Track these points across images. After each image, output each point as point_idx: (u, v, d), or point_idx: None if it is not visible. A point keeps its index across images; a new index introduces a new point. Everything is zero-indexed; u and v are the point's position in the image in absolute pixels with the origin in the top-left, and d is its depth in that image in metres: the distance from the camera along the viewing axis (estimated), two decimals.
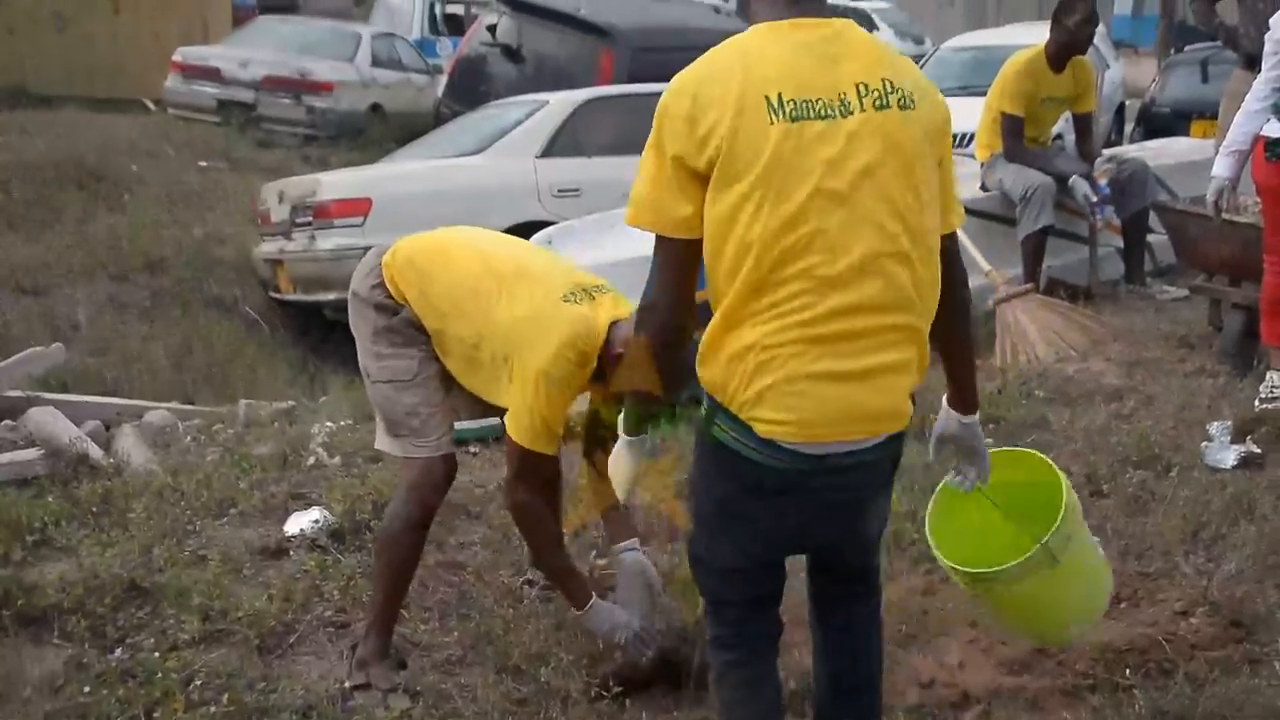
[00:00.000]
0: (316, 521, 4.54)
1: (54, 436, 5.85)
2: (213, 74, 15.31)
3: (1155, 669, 3.55)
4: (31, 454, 5.76)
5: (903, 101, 2.48)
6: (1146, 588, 3.97)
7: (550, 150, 8.44)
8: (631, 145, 8.55)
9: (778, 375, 2.44)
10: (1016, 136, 7.21)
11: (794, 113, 2.42)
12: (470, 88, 11.29)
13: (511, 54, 11.12)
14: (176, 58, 15.60)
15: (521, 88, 10.10)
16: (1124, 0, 49.00)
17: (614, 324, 3.58)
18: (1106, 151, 8.31)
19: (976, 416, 2.90)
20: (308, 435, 5.65)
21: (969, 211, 6.87)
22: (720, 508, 2.71)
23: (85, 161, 11.97)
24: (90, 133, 13.33)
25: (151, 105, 15.78)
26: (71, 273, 9.46)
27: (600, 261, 5.52)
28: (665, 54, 10.33)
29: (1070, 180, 7.09)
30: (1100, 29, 15.61)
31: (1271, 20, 5.51)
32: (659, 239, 2.57)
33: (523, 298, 3.62)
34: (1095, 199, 7.17)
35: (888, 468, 2.70)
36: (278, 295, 8.65)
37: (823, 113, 2.43)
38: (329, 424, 5.78)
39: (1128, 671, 3.52)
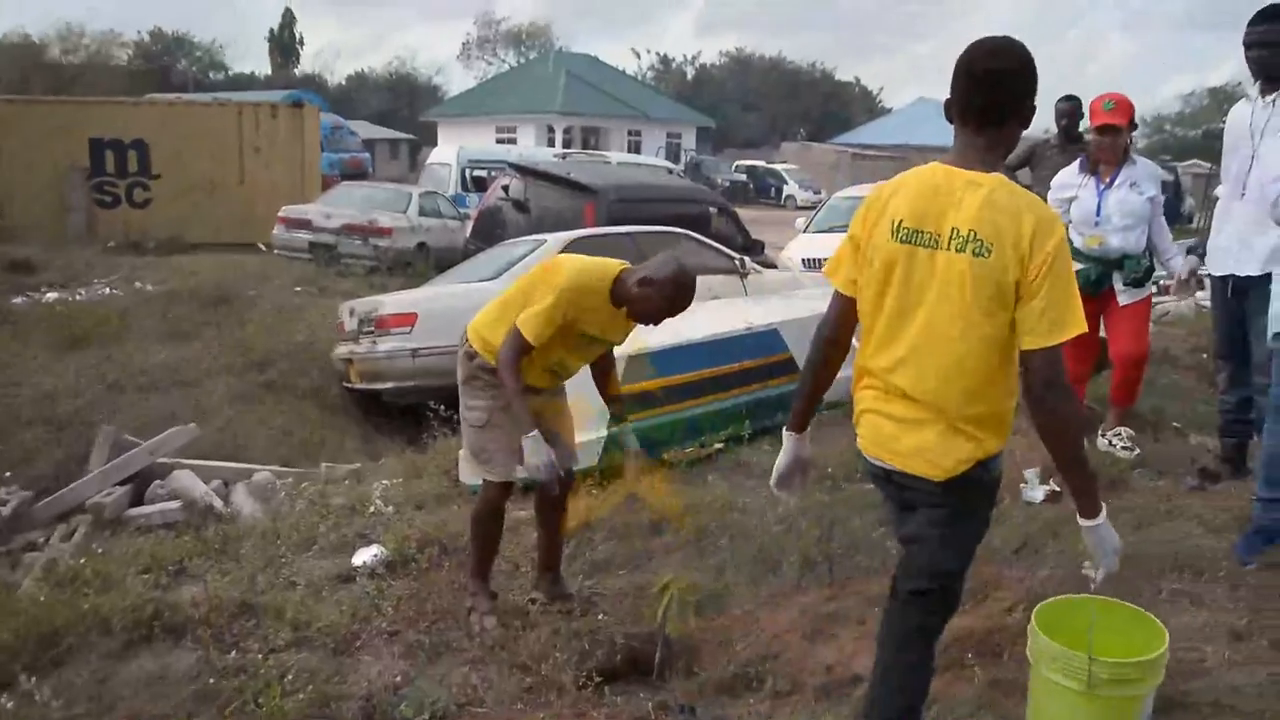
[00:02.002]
0: (375, 555, 4.53)
1: (189, 492, 5.91)
2: (306, 224, 15.47)
3: (990, 651, 3.49)
4: (174, 505, 5.85)
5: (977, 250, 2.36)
6: (984, 590, 3.91)
7: None
8: None
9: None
10: None
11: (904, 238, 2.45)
12: (489, 231, 11.31)
13: (520, 206, 11.17)
14: (281, 213, 15.74)
15: (527, 230, 10.13)
16: None
17: (623, 270, 3.81)
18: None
19: (1094, 521, 2.47)
20: (370, 490, 5.62)
21: None
22: None
23: (218, 290, 12.14)
24: (222, 269, 13.49)
25: (264, 247, 15.81)
26: (207, 370, 9.51)
27: None
28: (632, 204, 10.52)
29: None
30: None
31: (1054, 179, 5.61)
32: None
33: (554, 263, 3.95)
34: None
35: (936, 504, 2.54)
36: (349, 385, 8.59)
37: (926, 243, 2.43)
38: (385, 481, 5.75)
39: (970, 655, 3.46)
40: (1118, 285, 5.36)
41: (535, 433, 3.69)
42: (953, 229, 2.37)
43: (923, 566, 2.63)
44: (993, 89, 2.42)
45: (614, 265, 3.83)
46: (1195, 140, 41.56)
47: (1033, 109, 2.46)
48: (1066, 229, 5.27)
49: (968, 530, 2.63)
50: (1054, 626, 2.69)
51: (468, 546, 4.17)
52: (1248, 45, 4.45)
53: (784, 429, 2.91)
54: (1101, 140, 5.30)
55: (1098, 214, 5.29)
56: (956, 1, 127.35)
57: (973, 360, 2.43)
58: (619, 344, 4.15)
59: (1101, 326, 5.47)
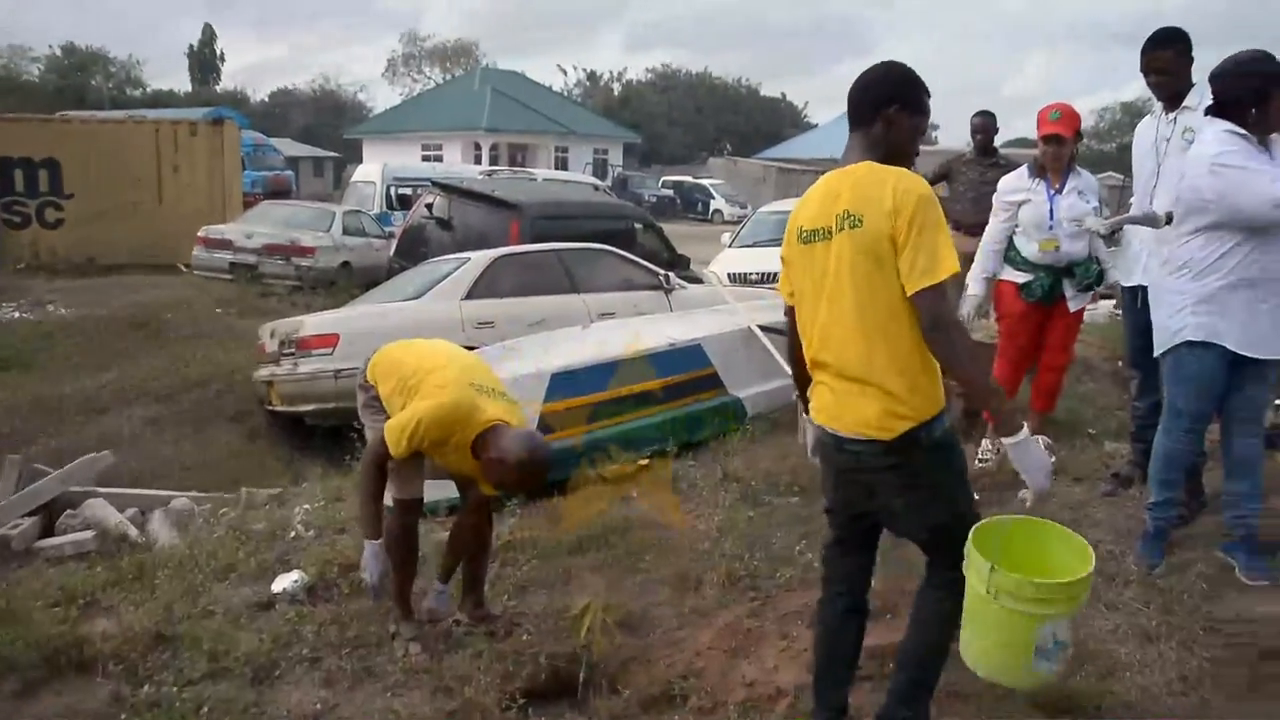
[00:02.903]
0: (296, 581, 4.45)
1: (103, 521, 5.78)
2: (227, 244, 15.24)
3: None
4: (86, 535, 5.70)
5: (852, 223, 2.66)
6: (905, 601, 3.95)
7: (472, 294, 8.42)
8: (533, 288, 8.70)
9: None
10: None
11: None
12: (414, 249, 11.23)
13: (444, 224, 11.11)
14: (200, 233, 15.48)
15: (452, 248, 10.07)
16: None
17: (498, 425, 3.65)
18: None
19: (1015, 438, 2.65)
20: (291, 514, 5.53)
21: (775, 333, 7.08)
22: None
23: (135, 313, 11.93)
24: (140, 291, 13.25)
25: (184, 269, 15.52)
26: (123, 396, 9.32)
27: (500, 377, 5.49)
28: (557, 221, 10.53)
29: None
30: None
31: (1000, 182, 5.69)
32: None
33: (441, 367, 3.80)
34: None
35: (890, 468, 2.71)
36: (271, 408, 8.45)
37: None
38: (307, 505, 5.67)
39: (890, 665, 3.49)
40: (1069, 291, 5.48)
41: (376, 544, 3.77)
42: (835, 216, 2.69)
43: (911, 530, 2.86)
44: (859, 94, 2.86)
45: (487, 414, 3.70)
46: (1110, 153, 42.69)
47: (902, 114, 2.79)
48: (1012, 233, 5.45)
49: (936, 488, 2.76)
50: (1011, 539, 2.77)
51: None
52: (1145, 71, 4.59)
53: (800, 414, 3.35)
54: (1047, 150, 5.41)
55: (1050, 219, 5.38)
56: (882, 20, 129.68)
57: (876, 331, 2.65)
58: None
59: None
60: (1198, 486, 4.73)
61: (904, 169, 2.73)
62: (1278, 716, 3.15)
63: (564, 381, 5.96)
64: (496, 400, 3.78)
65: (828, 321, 2.73)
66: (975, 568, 2.64)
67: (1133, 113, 46.06)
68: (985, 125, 7.60)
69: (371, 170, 22.61)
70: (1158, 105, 4.73)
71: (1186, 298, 3.91)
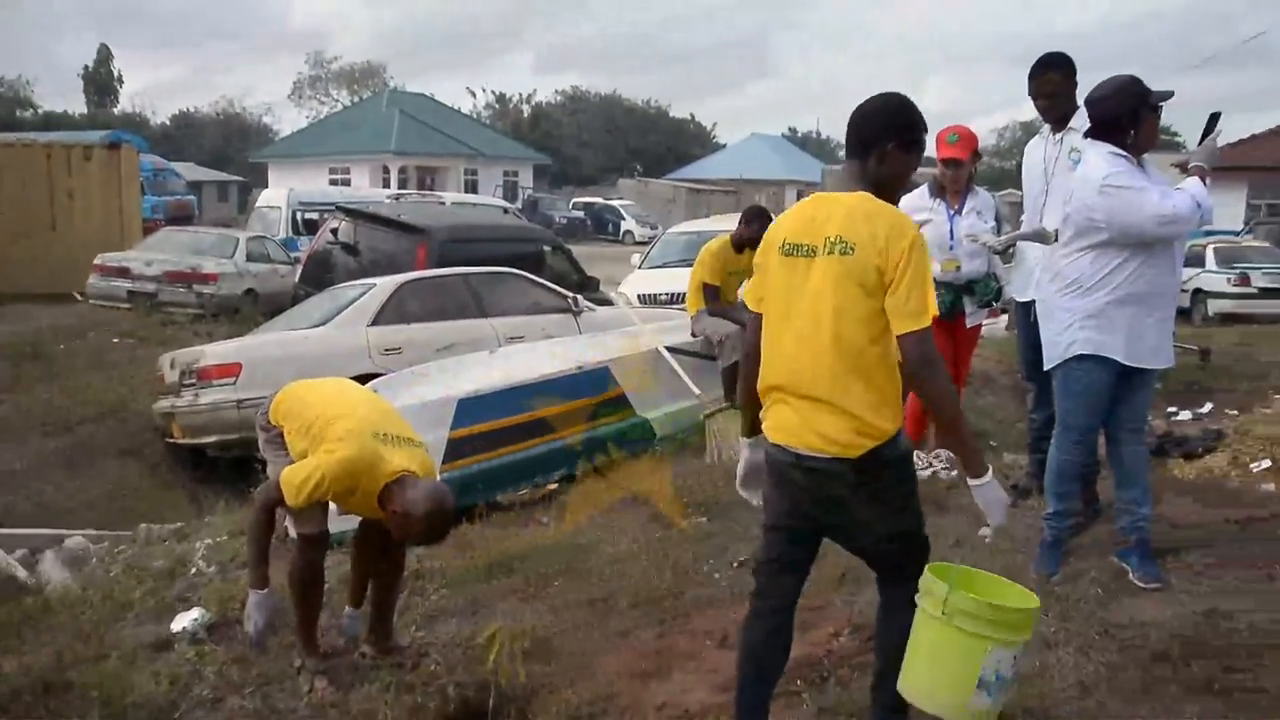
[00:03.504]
0: (196, 619, 4.32)
1: None
2: (125, 272, 14.80)
3: (817, 678, 3.56)
4: None
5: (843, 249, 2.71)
6: (811, 619, 3.99)
7: (378, 320, 8.31)
8: (441, 313, 8.62)
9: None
10: (714, 298, 7.40)
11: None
12: (319, 275, 11.06)
13: (350, 249, 10.96)
14: (97, 261, 15.01)
15: (359, 274, 9.94)
16: (792, 196, 51.74)
17: (403, 475, 3.59)
18: None
19: (981, 480, 2.79)
20: (192, 550, 5.38)
21: (682, 354, 7.13)
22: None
23: (29, 344, 11.53)
24: (31, 322, 12.82)
25: (79, 297, 15.04)
26: (15, 431, 9.01)
27: (406, 404, 5.44)
28: (465, 244, 10.47)
29: None
30: (774, 217, 16.25)
31: (901, 201, 5.78)
32: None
33: (345, 415, 3.69)
34: None
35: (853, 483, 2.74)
36: (171, 440, 8.23)
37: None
38: (209, 540, 5.52)
39: (798, 682, 3.53)
40: (968, 307, 5.60)
41: (264, 593, 3.70)
42: (825, 238, 2.73)
43: (878, 541, 2.86)
44: (857, 125, 2.88)
45: (393, 466, 3.63)
46: (1011, 171, 44.00)
47: (897, 151, 2.83)
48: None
49: (904, 497, 2.85)
50: (963, 585, 2.78)
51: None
52: (1033, 94, 4.74)
53: (739, 437, 3.24)
54: (946, 172, 5.53)
55: (951, 239, 5.50)
56: (788, 41, 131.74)
57: (852, 354, 2.70)
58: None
59: None
60: (1092, 495, 4.87)
61: (896, 208, 2.79)
62: (1169, 716, 3.23)
63: (472, 407, 5.91)
64: (401, 449, 3.71)
65: (798, 340, 2.76)
66: (930, 592, 2.69)
67: (1031, 131, 47.06)
68: None
69: (276, 195, 22.24)
70: (1046, 126, 4.89)
71: (1075, 314, 4.03)
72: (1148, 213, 3.81)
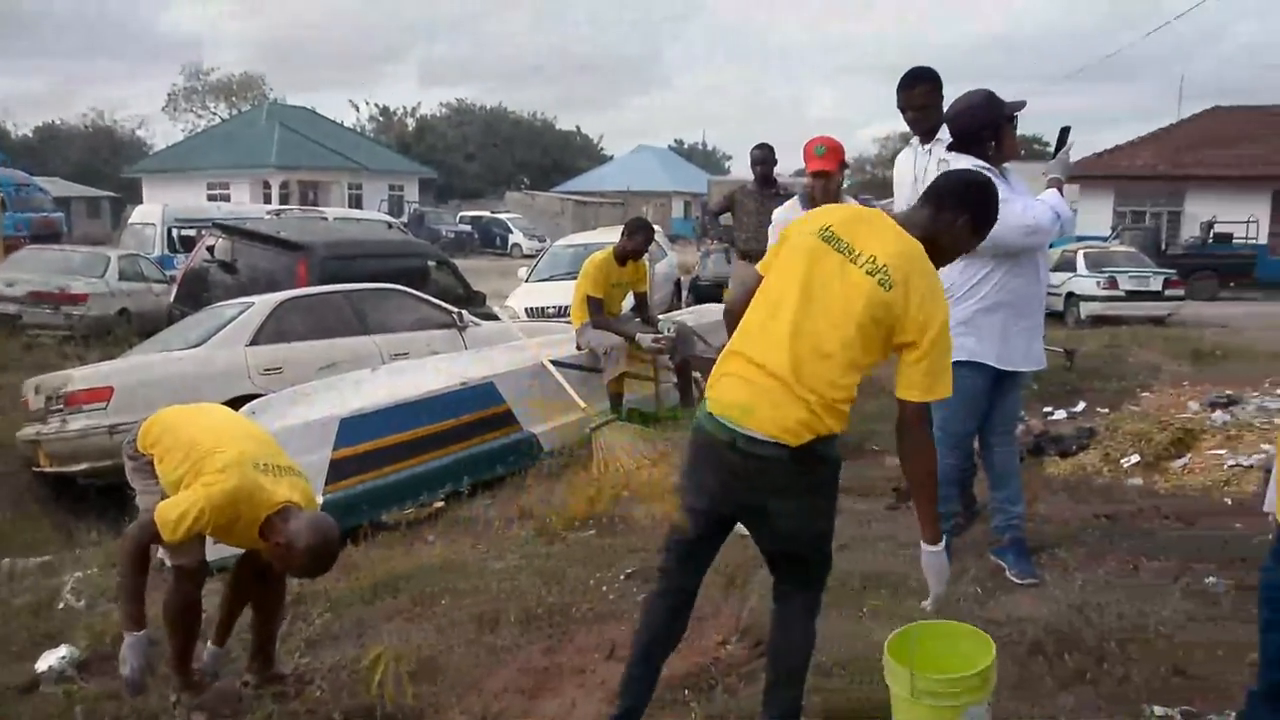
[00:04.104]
0: (64, 657, 4.12)
1: None
2: None
3: (705, 686, 3.59)
4: None
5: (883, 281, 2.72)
6: (700, 628, 4.01)
7: (258, 339, 8.10)
8: (322, 331, 8.46)
9: None
10: (598, 311, 7.42)
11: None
12: (195, 294, 10.76)
13: (227, 267, 10.69)
14: None
15: (237, 292, 9.69)
16: (678, 207, 52.36)
17: (286, 506, 3.50)
18: (664, 316, 8.67)
19: (935, 548, 2.90)
20: (61, 584, 5.16)
21: (567, 367, 7.13)
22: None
23: None
24: None
25: None
26: None
27: (288, 424, 5.33)
28: (346, 261, 10.30)
29: (637, 337, 7.34)
30: (659, 229, 16.47)
31: (774, 214, 5.88)
32: None
33: (222, 447, 3.54)
34: (661, 347, 7.45)
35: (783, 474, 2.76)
36: (38, 469, 7.88)
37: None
38: (79, 573, 5.30)
39: (686, 691, 3.54)
40: None
41: (139, 635, 3.52)
42: (871, 255, 2.75)
43: (794, 535, 2.88)
44: (945, 189, 2.98)
45: (275, 498, 3.51)
46: (891, 179, 45.19)
47: (966, 228, 2.94)
48: None
49: (819, 499, 2.88)
50: (919, 643, 2.88)
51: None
52: (901, 108, 4.88)
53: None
54: (816, 183, 5.63)
55: None
56: (674, 53, 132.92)
57: (844, 363, 2.74)
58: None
59: None
60: (970, 497, 5.01)
61: (941, 281, 2.83)
62: (1045, 708, 3.34)
63: (355, 426, 5.82)
64: (283, 479, 3.61)
65: (805, 327, 2.75)
66: (896, 676, 2.77)
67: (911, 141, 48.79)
68: (764, 157, 7.86)
69: (150, 211, 21.54)
70: (916, 138, 5.03)
71: None
72: (1012, 223, 3.94)
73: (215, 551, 3.95)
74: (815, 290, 2.78)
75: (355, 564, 5.03)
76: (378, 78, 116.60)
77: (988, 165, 4.11)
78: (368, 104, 71.56)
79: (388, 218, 26.96)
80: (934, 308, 2.73)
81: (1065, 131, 4.46)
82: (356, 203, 43.66)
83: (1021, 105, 4.23)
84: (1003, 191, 4.05)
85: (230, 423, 3.91)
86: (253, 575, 3.91)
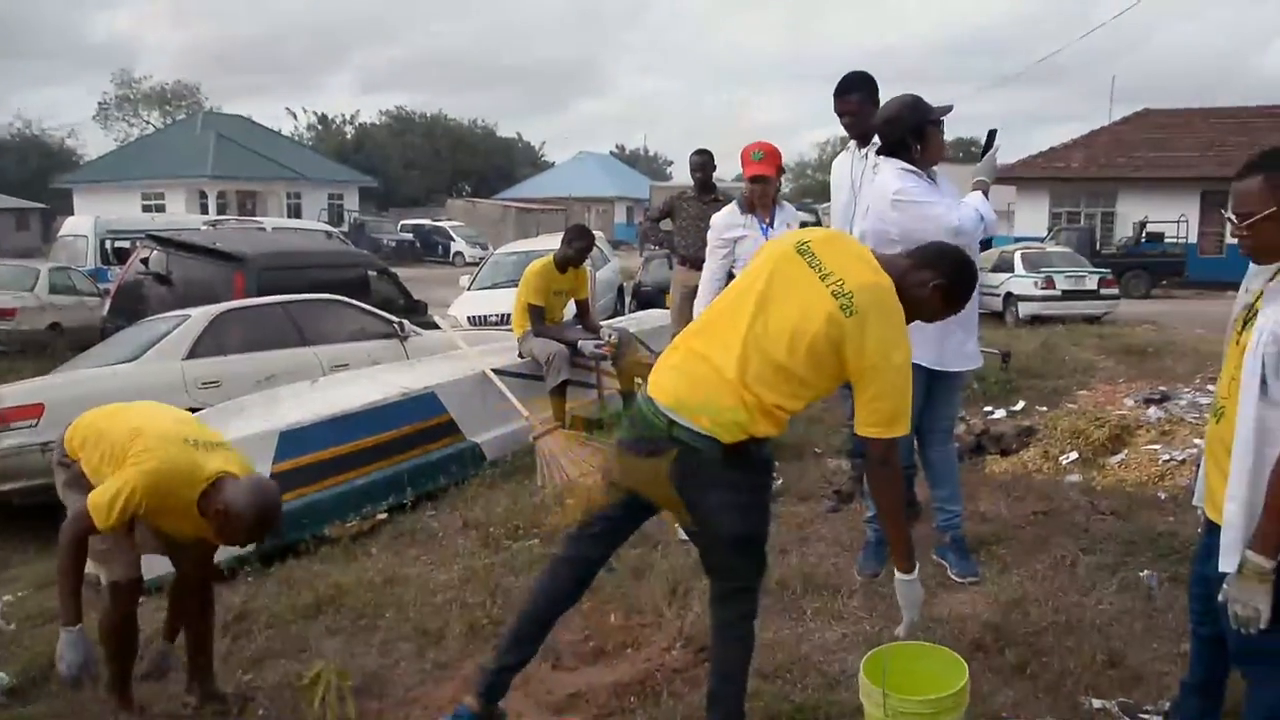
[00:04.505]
0: None
1: None
2: None
3: (650, 693, 3.60)
4: None
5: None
6: (644, 635, 4.03)
7: (194, 352, 7.96)
8: (261, 343, 8.34)
9: None
10: (539, 319, 7.41)
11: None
12: (130, 307, 10.54)
13: (162, 279, 10.49)
14: None
15: (173, 305, 9.50)
16: (621, 213, 52.37)
17: (222, 478, 3.44)
18: (606, 322, 8.67)
19: (909, 576, 2.91)
20: None
21: (509, 375, 7.10)
22: None
23: None
24: None
25: None
26: None
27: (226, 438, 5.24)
28: (285, 272, 10.15)
29: (579, 344, 7.33)
30: (601, 235, 16.46)
31: (713, 220, 5.91)
32: None
33: (146, 429, 3.51)
34: (603, 354, 7.45)
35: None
36: None
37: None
38: (8, 596, 5.18)
39: (632, 699, 3.55)
40: None
41: (76, 629, 3.40)
42: (840, 279, 2.75)
43: (718, 534, 2.88)
44: (933, 250, 3.01)
45: (208, 470, 3.47)
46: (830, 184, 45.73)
47: (938, 292, 2.91)
48: (732, 267, 5.65)
49: (747, 498, 2.86)
50: (892, 665, 2.90)
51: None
52: (837, 113, 4.94)
53: None
54: (755, 188, 5.67)
55: None
56: (615, 60, 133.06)
57: (788, 369, 2.75)
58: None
59: None
60: (911, 496, 5.07)
61: (905, 324, 2.81)
62: (987, 704, 3.38)
63: (294, 439, 5.75)
64: (215, 452, 3.55)
65: (753, 328, 2.77)
66: (870, 696, 2.80)
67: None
68: (703, 163, 7.88)
69: (82, 223, 21.10)
70: (852, 142, 5.10)
71: None
72: (937, 225, 4.00)
73: (150, 570, 3.89)
74: (777, 297, 2.81)
75: (297, 580, 4.97)
76: (315, 85, 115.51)
77: (914, 169, 4.17)
78: (305, 112, 70.77)
79: (327, 227, 26.65)
80: (891, 349, 2.74)
81: (992, 134, 4.53)
82: (296, 212, 43.14)
83: (947, 109, 4.30)
84: (927, 194, 4.13)
85: (154, 409, 3.85)
86: (183, 595, 3.86)
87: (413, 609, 4.47)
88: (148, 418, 3.66)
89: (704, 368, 2.81)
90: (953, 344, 4.29)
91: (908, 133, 4.20)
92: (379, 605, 4.56)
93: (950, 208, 4.08)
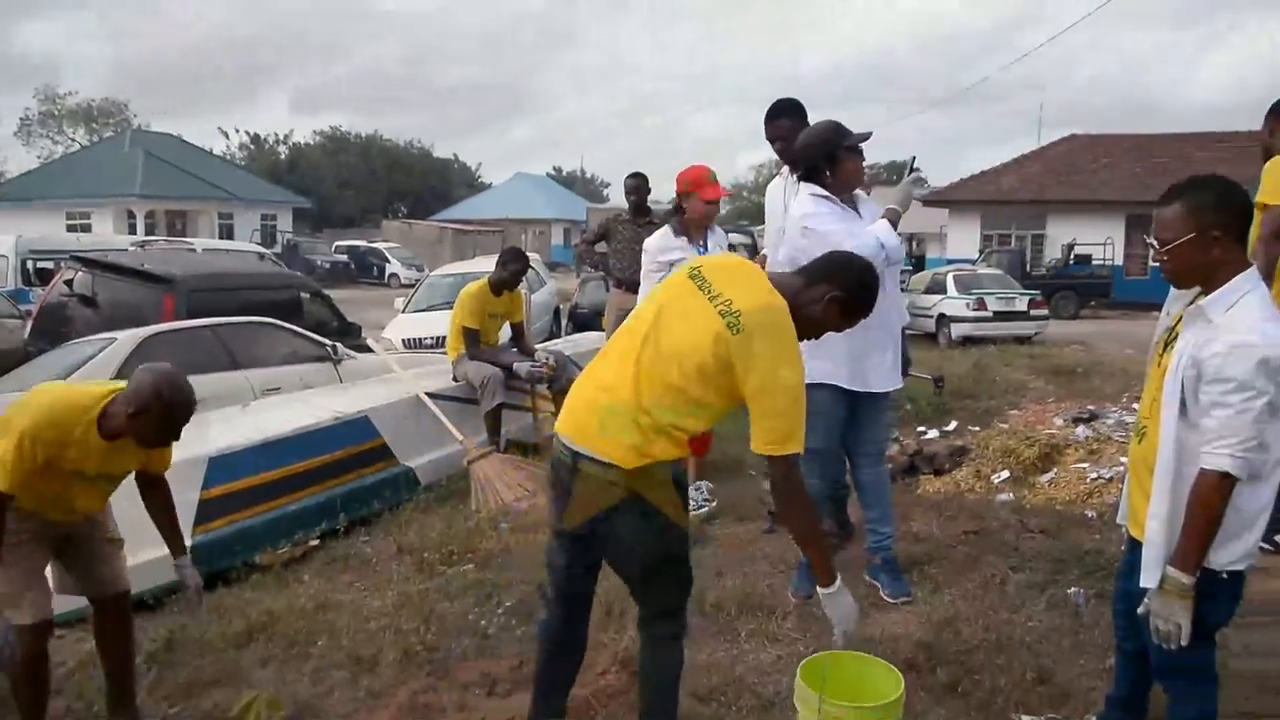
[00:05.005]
0: None
1: None
2: None
3: (586, 717, 3.60)
4: None
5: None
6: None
7: (121, 377, 7.70)
8: (190, 367, 8.11)
9: None
10: (474, 342, 7.40)
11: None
12: (52, 330, 10.29)
13: (88, 301, 10.27)
14: None
15: (99, 328, 9.29)
16: (558, 235, 52.40)
17: (115, 394, 3.41)
18: (541, 345, 8.67)
19: (831, 589, 2.88)
20: None
21: (444, 399, 7.07)
22: None
23: None
24: None
25: None
26: None
27: None
28: (215, 294, 9.98)
29: (514, 367, 7.33)
30: (537, 257, 16.42)
31: (647, 244, 5.94)
32: None
33: (28, 394, 3.50)
34: (539, 377, 7.46)
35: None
36: None
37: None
38: None
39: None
40: None
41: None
42: (729, 299, 2.79)
43: (632, 560, 2.92)
44: (828, 261, 3.04)
45: (95, 395, 3.42)
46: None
47: (835, 305, 2.93)
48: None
49: (658, 522, 2.85)
50: (829, 673, 2.89)
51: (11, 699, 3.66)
52: (768, 138, 5.00)
53: None
54: (710, 209, 5.73)
55: None
56: (551, 81, 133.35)
57: (682, 389, 2.78)
58: (159, 470, 3.78)
59: None
60: (845, 517, 5.13)
61: (798, 342, 2.82)
62: None
63: (224, 465, 5.66)
64: (100, 386, 3.51)
65: (648, 352, 2.82)
66: (805, 701, 2.80)
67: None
68: (638, 186, 7.93)
69: (3, 242, 20.61)
70: (785, 168, 5.17)
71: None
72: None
73: (65, 604, 3.80)
74: (671, 322, 2.85)
75: (227, 607, 4.89)
76: (248, 105, 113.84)
77: (825, 195, 4.24)
78: (238, 131, 69.72)
79: (259, 248, 26.28)
80: (780, 367, 2.75)
81: (911, 161, 4.61)
82: (227, 233, 42.51)
83: (865, 136, 4.34)
84: (831, 220, 4.19)
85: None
86: (100, 627, 3.77)
87: (346, 636, 4.42)
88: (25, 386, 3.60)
89: (603, 395, 2.86)
90: (874, 364, 4.35)
91: (821, 158, 4.27)
92: (311, 632, 4.50)
93: (851, 235, 4.09)
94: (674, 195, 5.86)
